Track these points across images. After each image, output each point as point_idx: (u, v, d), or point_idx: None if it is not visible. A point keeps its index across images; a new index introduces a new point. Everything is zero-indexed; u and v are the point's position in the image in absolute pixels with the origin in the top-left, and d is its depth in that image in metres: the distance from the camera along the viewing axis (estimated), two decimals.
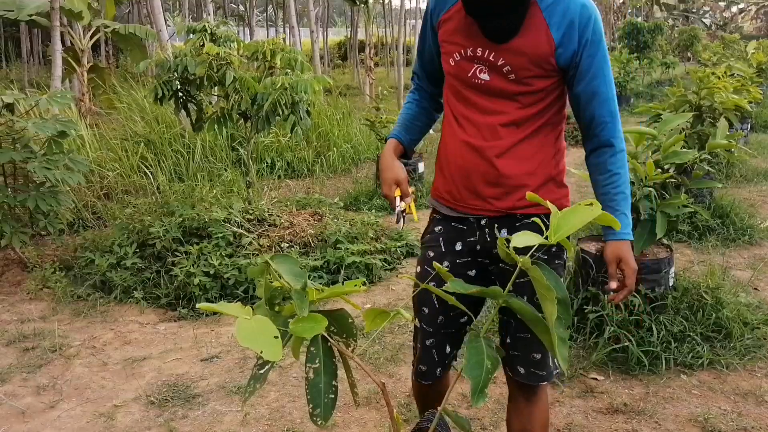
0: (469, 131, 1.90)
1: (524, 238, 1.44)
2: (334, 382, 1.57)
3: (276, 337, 1.33)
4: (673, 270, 3.55)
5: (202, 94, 4.92)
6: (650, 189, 3.39)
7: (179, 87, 4.79)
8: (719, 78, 6.49)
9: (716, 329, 3.40)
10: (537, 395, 2.01)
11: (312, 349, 1.59)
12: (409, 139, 2.13)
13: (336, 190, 7.13)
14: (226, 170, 6.99)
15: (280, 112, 4.50)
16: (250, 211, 4.91)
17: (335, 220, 5.00)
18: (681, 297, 3.50)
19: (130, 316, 4.13)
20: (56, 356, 3.57)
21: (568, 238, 1.45)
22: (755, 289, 4.23)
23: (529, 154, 1.89)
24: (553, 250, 1.95)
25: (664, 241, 3.77)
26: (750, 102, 7.74)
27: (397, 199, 2.06)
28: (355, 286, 1.61)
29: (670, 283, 3.53)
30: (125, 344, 3.76)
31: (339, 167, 8.32)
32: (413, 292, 1.99)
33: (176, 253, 4.52)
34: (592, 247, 3.65)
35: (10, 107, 4.77)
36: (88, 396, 3.17)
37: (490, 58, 1.82)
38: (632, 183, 3.48)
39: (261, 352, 1.29)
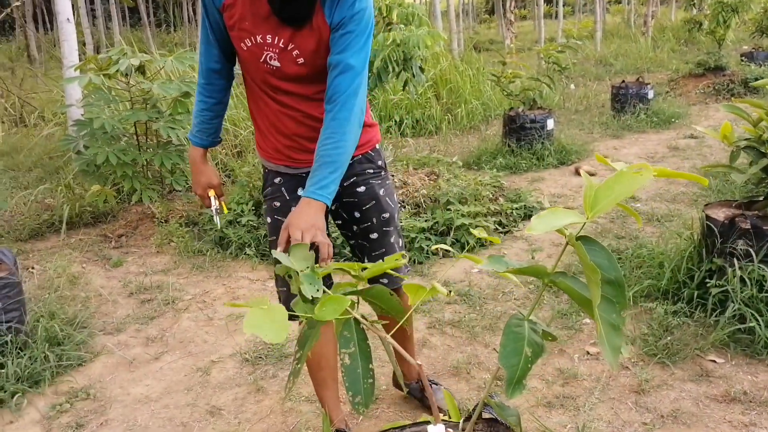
0: (281, 103, 2.06)
1: None
2: (371, 366, 1.47)
3: (282, 322, 1.25)
4: None
5: None
6: None
7: None
8: None
9: None
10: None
11: (345, 333, 1.49)
12: (211, 140, 2.25)
13: (461, 148, 6.94)
14: None
15: (392, 69, 4.38)
16: None
17: (450, 180, 4.84)
18: None
19: (242, 272, 4.25)
20: (168, 309, 3.74)
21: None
22: None
23: None
24: (382, 173, 2.23)
25: None
26: None
27: (212, 199, 2.28)
28: (396, 260, 1.50)
29: None
30: (233, 299, 3.87)
31: (468, 124, 8.10)
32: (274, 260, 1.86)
33: None
34: (720, 214, 3.25)
35: (141, 69, 5.01)
36: (191, 350, 3.29)
37: (280, 45, 1.92)
38: (766, 142, 3.05)
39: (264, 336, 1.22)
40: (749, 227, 3.04)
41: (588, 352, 2.94)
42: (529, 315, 1.47)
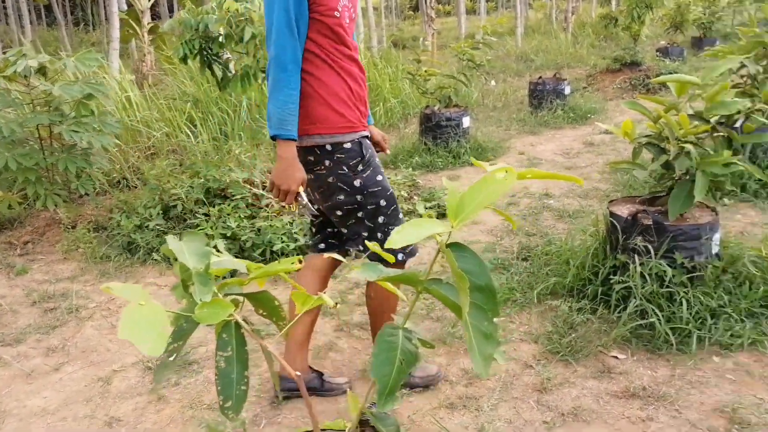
0: (355, 67, 2.38)
1: None
2: (246, 373, 1.37)
3: (162, 331, 1.13)
4: (718, 236, 3.14)
5: (226, 52, 4.74)
6: (688, 145, 2.98)
7: (203, 45, 4.61)
8: None
9: (765, 305, 2.99)
10: None
11: (224, 335, 1.39)
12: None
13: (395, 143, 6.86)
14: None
15: None
16: None
17: None
18: (725, 267, 3.10)
19: (151, 278, 4.08)
20: (72, 318, 3.59)
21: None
22: None
23: None
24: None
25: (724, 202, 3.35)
26: None
27: (302, 192, 2.28)
28: (292, 263, 1.41)
29: (714, 251, 3.13)
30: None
31: (387, 123, 8.04)
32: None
33: (198, 215, 4.42)
34: (623, 210, 3.27)
35: (43, 70, 4.73)
36: (93, 359, 3.14)
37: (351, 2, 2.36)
38: (667, 139, 3.08)
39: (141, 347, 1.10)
40: (651, 223, 3.07)
41: None
42: (404, 323, 1.39)
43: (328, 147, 2.32)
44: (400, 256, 2.43)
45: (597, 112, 8.11)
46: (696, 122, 3.16)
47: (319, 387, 2.65)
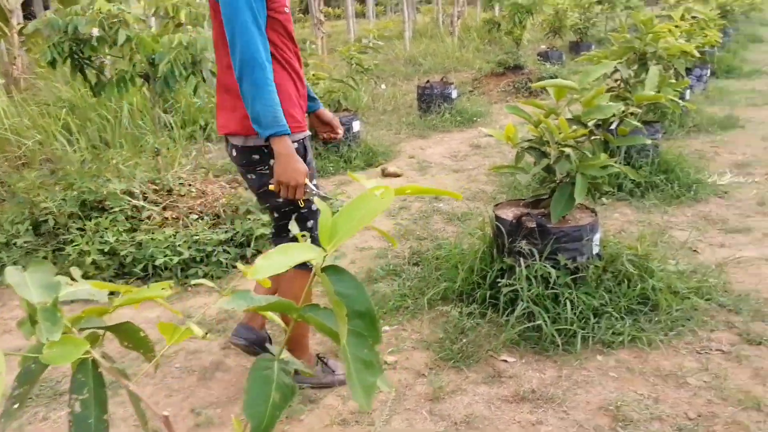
0: (298, 63, 2.42)
1: None
2: (105, 417, 1.22)
3: None
4: (598, 236, 3.23)
5: (99, 55, 4.47)
6: (567, 149, 3.04)
7: (74, 48, 4.32)
8: (675, 21, 6.13)
9: (642, 301, 3.10)
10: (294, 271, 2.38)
11: (79, 376, 1.23)
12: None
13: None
14: (154, 135, 6.53)
15: (179, 73, 4.06)
16: (157, 181, 4.50)
17: None
18: (606, 266, 3.19)
19: (17, 300, 3.75)
20: None
21: None
22: (694, 251, 3.94)
23: None
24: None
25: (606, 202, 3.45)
26: (710, 46, 7.39)
27: (309, 183, 2.28)
28: (162, 289, 1.28)
29: (595, 251, 3.21)
30: (4, 333, 3.41)
31: None
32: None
33: (71, 229, 4.13)
34: (508, 213, 3.31)
35: None
36: None
37: None
38: (547, 143, 3.14)
39: None
40: (534, 226, 3.12)
41: (386, 362, 2.85)
42: (279, 354, 1.30)
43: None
44: (309, 264, 2.36)
45: (483, 115, 8.28)
46: (575, 126, 3.24)
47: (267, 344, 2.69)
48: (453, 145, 7.12)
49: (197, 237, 3.82)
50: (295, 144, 2.32)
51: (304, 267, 2.37)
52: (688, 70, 8.16)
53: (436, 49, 14.71)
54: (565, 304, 2.93)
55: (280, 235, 2.55)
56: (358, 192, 5.10)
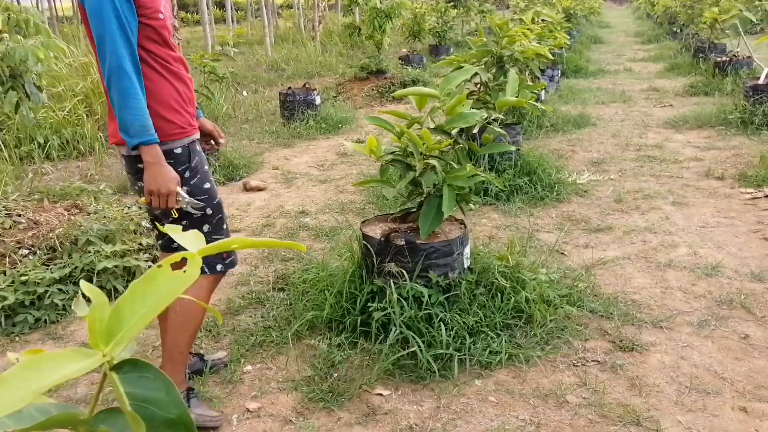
0: (182, 68, 2.36)
1: None
2: None
3: None
4: (468, 249, 3.11)
5: None
6: (433, 160, 2.89)
7: None
8: (526, 25, 6.21)
9: (517, 315, 3.01)
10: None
11: None
12: None
13: (118, 171, 6.18)
14: None
15: None
16: None
17: (95, 214, 4.15)
18: (478, 280, 3.07)
19: None
20: None
21: None
22: (562, 254, 3.93)
23: None
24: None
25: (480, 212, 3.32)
26: (559, 48, 7.61)
27: (181, 190, 2.25)
28: None
29: (466, 265, 3.09)
30: None
31: None
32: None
33: None
34: (376, 230, 3.12)
35: None
36: None
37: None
38: (411, 154, 2.97)
39: None
40: (403, 243, 2.94)
41: (248, 409, 2.56)
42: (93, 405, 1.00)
43: None
44: (219, 267, 2.47)
45: (348, 122, 8.11)
46: (439, 136, 3.10)
47: (204, 368, 2.76)
48: (319, 153, 6.89)
49: (26, 277, 3.35)
50: (179, 149, 2.30)
51: (209, 272, 2.45)
52: (542, 71, 8.39)
53: (299, 54, 14.43)
54: (440, 326, 2.76)
55: (171, 246, 2.53)
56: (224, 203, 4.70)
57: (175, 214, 2.29)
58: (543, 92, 7.37)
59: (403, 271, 2.90)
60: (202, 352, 2.91)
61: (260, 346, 3.00)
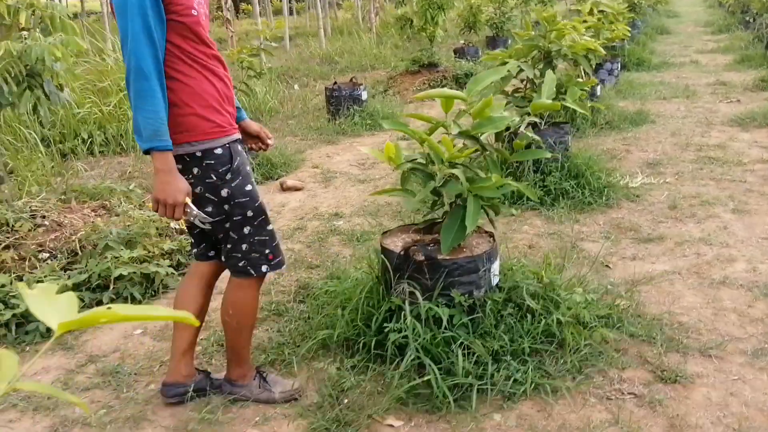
0: (219, 65, 2.27)
1: None
2: None
3: None
4: (497, 265, 2.86)
5: None
6: (456, 169, 2.65)
7: None
8: (582, 16, 5.87)
9: (548, 339, 2.75)
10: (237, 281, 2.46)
11: None
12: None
13: None
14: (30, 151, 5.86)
15: (10, 89, 3.49)
16: None
17: (118, 217, 4.07)
18: (506, 299, 2.83)
19: None
20: None
21: None
22: (606, 266, 3.64)
23: None
24: None
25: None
26: (619, 40, 7.20)
27: (190, 202, 2.16)
28: None
29: (494, 282, 2.85)
30: None
31: None
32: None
33: None
34: (397, 243, 2.91)
35: None
36: None
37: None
38: (433, 162, 2.75)
39: None
40: (423, 259, 2.72)
41: None
42: None
43: (198, 153, 2.20)
44: (264, 268, 2.41)
45: (395, 118, 7.88)
46: (465, 140, 2.86)
47: (209, 386, 2.63)
48: (363, 151, 6.69)
49: (41, 282, 3.26)
50: (220, 149, 2.22)
51: (255, 274, 2.41)
52: (599, 65, 8.00)
53: (353, 47, 14.27)
54: (458, 352, 2.53)
55: (207, 255, 2.55)
56: None
57: (183, 225, 2.22)
58: (598, 87, 6.99)
59: (420, 289, 2.68)
60: (209, 369, 2.76)
61: (271, 365, 2.83)
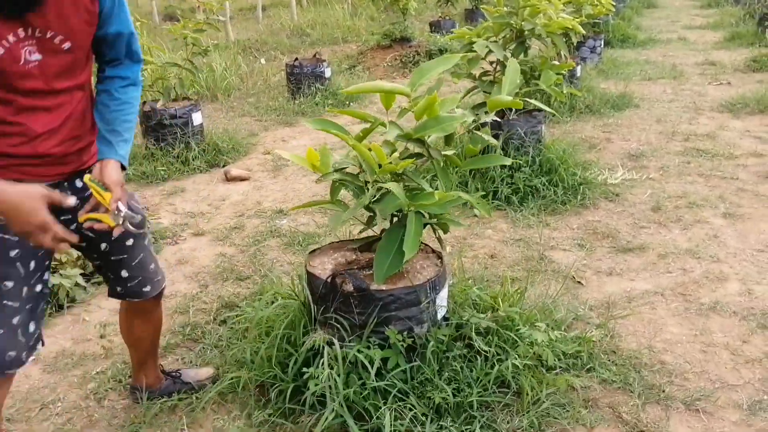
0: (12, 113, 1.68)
1: None
2: None
3: None
4: (445, 293, 2.37)
5: None
6: (389, 184, 2.13)
7: None
8: None
9: (501, 388, 2.27)
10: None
11: None
12: None
13: None
14: None
15: None
16: None
17: None
18: (454, 338, 2.34)
19: None
20: None
21: None
22: (578, 282, 3.16)
23: None
24: None
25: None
26: (603, 15, 6.68)
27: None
28: None
29: (440, 315, 2.35)
30: None
31: None
32: None
33: None
34: (327, 265, 2.41)
35: None
36: None
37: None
38: (363, 171, 2.24)
39: None
40: (352, 290, 2.22)
41: None
42: None
43: None
44: None
45: (360, 98, 7.31)
46: (409, 144, 2.34)
47: (178, 389, 2.41)
48: (321, 134, 6.13)
49: None
50: None
51: None
52: (581, 42, 7.47)
53: (327, 19, 13.59)
54: (385, 410, 2.05)
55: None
56: (187, 202, 4.04)
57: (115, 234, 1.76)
58: (579, 68, 6.47)
59: (348, 325, 2.19)
60: (180, 370, 2.47)
61: (171, 412, 2.33)
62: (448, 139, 2.43)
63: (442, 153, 2.35)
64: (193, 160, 5.16)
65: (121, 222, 1.72)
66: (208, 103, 7.53)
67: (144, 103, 5.27)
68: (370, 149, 2.15)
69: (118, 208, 1.72)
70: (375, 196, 2.23)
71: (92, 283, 3.31)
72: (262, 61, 10.19)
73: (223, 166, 5.23)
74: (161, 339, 2.76)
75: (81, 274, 3.24)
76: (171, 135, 5.19)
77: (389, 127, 2.30)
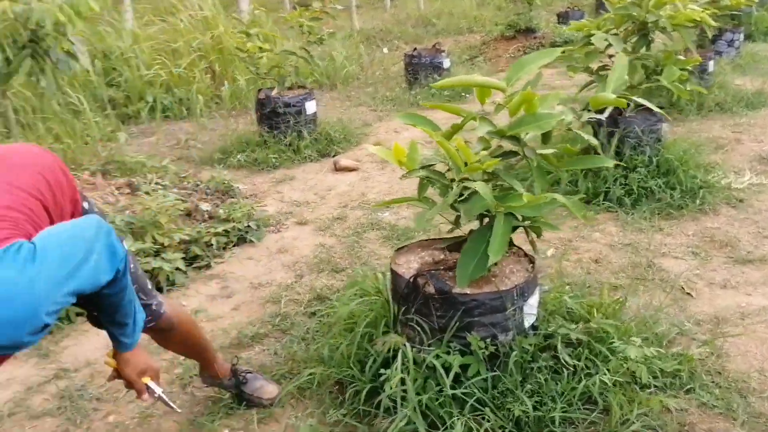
0: None
1: None
2: None
3: None
4: (535, 300, 2.27)
5: None
6: (475, 183, 2.05)
7: None
8: None
9: (588, 404, 2.15)
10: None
11: None
12: None
13: (222, 135, 5.77)
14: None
15: (6, 57, 3.15)
16: None
17: (142, 197, 3.72)
18: (541, 348, 2.24)
19: None
20: None
21: None
22: (687, 293, 2.94)
23: None
24: None
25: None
26: (744, 6, 6.18)
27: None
28: None
29: (528, 323, 2.25)
30: None
31: (240, 103, 6.95)
32: None
33: None
34: (412, 264, 2.37)
35: None
36: None
37: None
38: (450, 169, 2.18)
39: None
40: (434, 292, 2.17)
41: None
42: None
43: None
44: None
45: (472, 90, 7.16)
46: (503, 142, 2.25)
47: (232, 397, 2.39)
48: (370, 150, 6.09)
49: None
50: None
51: None
52: (717, 35, 6.96)
53: (453, 8, 13.47)
54: (456, 420, 1.98)
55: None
56: (296, 191, 4.10)
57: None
58: (711, 62, 6.02)
59: (428, 329, 2.14)
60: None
61: (247, 409, 2.37)
62: (546, 137, 2.31)
63: (538, 152, 2.24)
64: (304, 148, 5.26)
65: (156, 398, 1.88)
66: (327, 92, 7.67)
67: (260, 90, 5.44)
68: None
69: (148, 387, 1.86)
70: (461, 195, 2.16)
71: (193, 268, 3.45)
72: (385, 50, 10.26)
73: (334, 155, 5.30)
74: (250, 327, 2.84)
75: (182, 258, 3.38)
76: (284, 123, 5.31)
77: (480, 123, 2.22)
